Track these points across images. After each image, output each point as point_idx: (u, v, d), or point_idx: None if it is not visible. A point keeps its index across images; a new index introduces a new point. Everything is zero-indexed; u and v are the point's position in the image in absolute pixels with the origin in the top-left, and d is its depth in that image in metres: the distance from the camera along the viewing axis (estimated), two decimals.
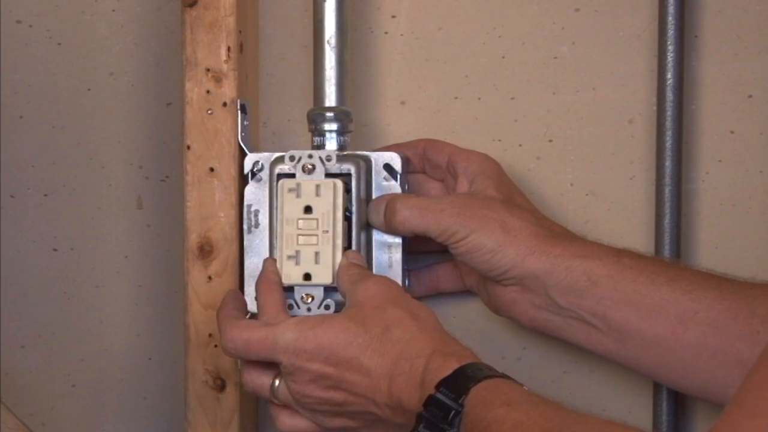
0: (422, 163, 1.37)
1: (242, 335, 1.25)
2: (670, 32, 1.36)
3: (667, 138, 1.37)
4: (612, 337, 1.30)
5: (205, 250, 1.35)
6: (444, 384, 1.16)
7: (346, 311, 1.25)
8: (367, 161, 1.34)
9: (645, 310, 1.28)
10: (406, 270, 1.36)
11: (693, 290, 1.28)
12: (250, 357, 1.26)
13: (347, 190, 1.32)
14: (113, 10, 1.43)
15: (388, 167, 1.35)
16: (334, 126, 1.35)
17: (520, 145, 1.40)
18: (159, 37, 1.43)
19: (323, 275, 1.30)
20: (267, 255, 1.34)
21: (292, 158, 1.30)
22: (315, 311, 1.30)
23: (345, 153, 1.35)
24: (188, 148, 1.34)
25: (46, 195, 1.44)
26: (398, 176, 1.34)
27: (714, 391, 1.29)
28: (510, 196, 1.35)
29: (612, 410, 1.40)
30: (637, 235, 1.40)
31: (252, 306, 1.34)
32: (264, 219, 1.34)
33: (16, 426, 1.39)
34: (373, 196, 1.35)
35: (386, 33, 1.41)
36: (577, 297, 1.30)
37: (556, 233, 1.33)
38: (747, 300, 1.27)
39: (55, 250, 1.44)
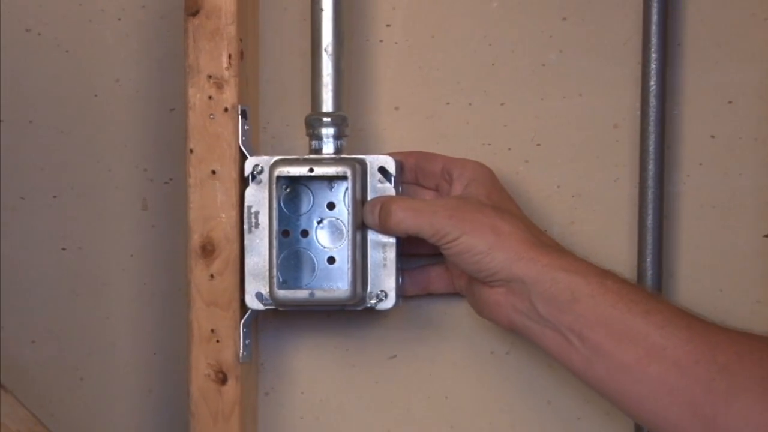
0: (414, 174, 1.37)
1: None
2: (654, 41, 1.37)
3: (650, 142, 1.37)
4: (582, 355, 1.29)
5: (207, 250, 1.35)
6: None
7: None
8: (363, 164, 1.34)
9: (618, 336, 1.28)
10: (400, 269, 1.36)
11: (665, 326, 1.28)
12: None
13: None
14: (119, 19, 1.43)
15: (382, 170, 1.35)
16: (331, 130, 1.36)
17: (509, 149, 1.40)
18: (163, 44, 1.43)
19: None
20: (266, 254, 1.34)
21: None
22: None
23: (341, 156, 1.35)
24: (191, 151, 1.34)
25: (54, 197, 1.44)
26: (392, 179, 1.35)
27: (664, 427, 1.30)
28: (501, 202, 1.36)
29: (596, 404, 1.39)
30: (621, 236, 1.40)
31: (251, 301, 1.35)
32: (264, 219, 1.34)
33: (26, 417, 1.40)
34: (369, 198, 1.35)
35: (381, 41, 1.41)
36: (558, 309, 1.29)
37: (545, 243, 1.33)
38: (710, 346, 1.27)
39: (63, 249, 1.44)
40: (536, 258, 1.31)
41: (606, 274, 1.31)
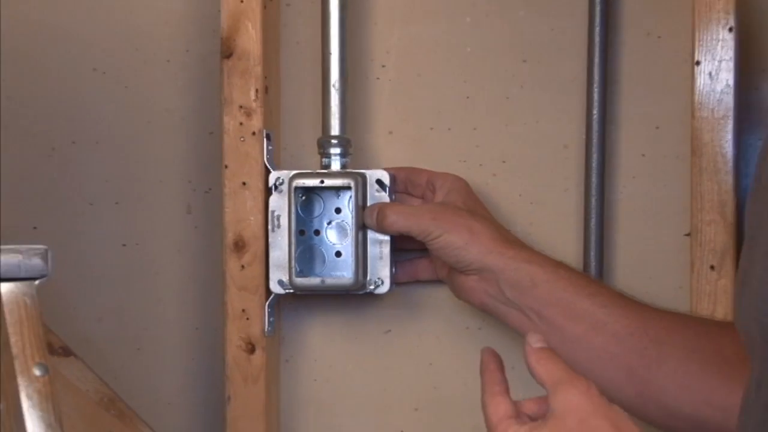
0: (404, 185, 1.38)
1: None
2: (596, 78, 1.37)
3: (593, 160, 1.37)
4: (540, 329, 1.29)
5: (239, 246, 1.35)
6: None
7: (550, 425, 1.03)
8: (363, 177, 1.35)
9: (569, 313, 1.29)
10: (393, 261, 1.36)
11: (606, 306, 1.29)
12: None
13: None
14: (168, 61, 1.43)
15: (379, 182, 1.35)
16: (337, 150, 1.36)
17: (480, 165, 1.40)
18: (203, 81, 1.42)
19: None
20: (286, 249, 1.33)
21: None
22: None
23: (346, 171, 1.35)
24: (226, 167, 1.34)
25: (117, 203, 1.44)
26: (387, 189, 1.35)
27: (603, 386, 1.25)
28: (475, 207, 1.36)
29: None
30: (570, 234, 1.39)
31: (274, 286, 1.34)
32: (284, 221, 1.34)
33: (93, 380, 1.38)
34: (368, 204, 1.35)
35: (378, 78, 1.41)
36: (520, 293, 1.30)
37: (510, 240, 1.33)
38: (643, 321, 1.28)
39: (123, 245, 1.44)
40: (503, 252, 1.31)
41: (559, 265, 1.32)
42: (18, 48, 1.43)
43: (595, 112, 1.37)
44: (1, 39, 1.41)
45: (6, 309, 0.99)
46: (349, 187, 1.33)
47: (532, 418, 1.05)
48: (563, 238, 1.39)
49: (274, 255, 1.35)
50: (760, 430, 1.07)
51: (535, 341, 1.09)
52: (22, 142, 1.44)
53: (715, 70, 1.31)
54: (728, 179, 1.31)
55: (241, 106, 1.35)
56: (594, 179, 1.37)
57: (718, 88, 1.31)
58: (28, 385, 0.97)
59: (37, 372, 0.97)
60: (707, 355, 1.25)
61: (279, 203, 1.35)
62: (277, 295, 1.37)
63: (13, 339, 0.98)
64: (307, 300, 1.41)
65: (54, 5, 1.43)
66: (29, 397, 0.97)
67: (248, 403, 1.36)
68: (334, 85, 1.37)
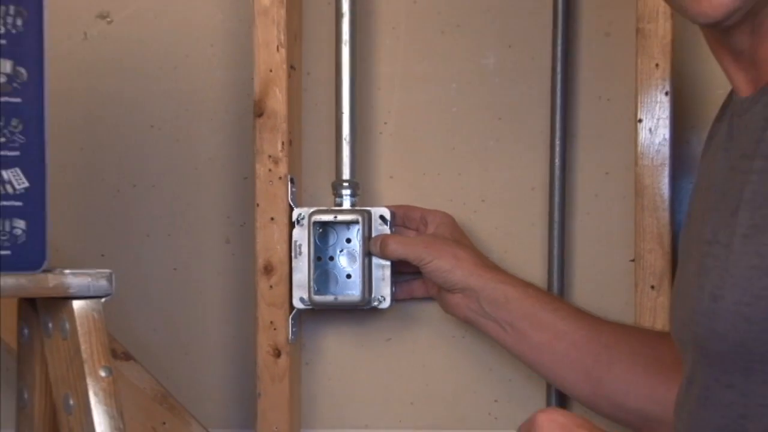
0: (402, 220, 1.37)
1: None
2: (558, 132, 1.37)
3: (556, 199, 1.37)
4: (512, 337, 1.30)
5: (268, 269, 1.35)
6: None
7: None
8: (369, 213, 1.35)
9: (536, 324, 1.29)
10: (393, 282, 1.35)
11: (566, 318, 1.29)
12: None
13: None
14: (211, 119, 1.42)
15: (382, 217, 1.35)
16: (348, 191, 1.36)
17: (464, 204, 1.39)
18: (240, 135, 1.41)
19: None
20: (306, 272, 1.33)
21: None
22: None
23: (355, 208, 1.35)
24: (257, 205, 1.34)
25: (169, 235, 1.43)
26: (388, 223, 1.35)
27: (564, 385, 1.30)
28: (460, 238, 1.36)
29: (522, 370, 1.36)
30: (537, 261, 1.38)
31: (296, 303, 1.33)
32: (305, 249, 1.34)
33: (149, 379, 1.39)
34: (373, 235, 1.35)
35: (381, 133, 1.41)
36: (496, 308, 1.30)
37: (488, 264, 1.33)
38: (597, 331, 1.28)
39: (174, 269, 1.43)
40: (482, 274, 1.31)
41: (528, 285, 1.32)
42: (92, 110, 1.43)
43: (557, 160, 1.37)
44: (75, 102, 1.41)
45: (78, 322, 0.99)
46: (357, 222, 1.33)
47: None
48: (531, 263, 1.39)
49: (296, 277, 1.35)
50: (692, 419, 1.06)
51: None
52: (93, 185, 1.44)
53: (654, 127, 1.31)
54: (665, 216, 1.30)
55: (270, 156, 1.34)
56: (556, 215, 1.37)
57: (657, 141, 1.31)
58: (95, 384, 0.97)
59: (102, 373, 0.98)
60: (649, 358, 1.25)
61: (300, 235, 1.34)
62: (299, 310, 1.36)
63: (83, 346, 0.98)
64: (323, 314, 1.41)
65: (121, 77, 1.42)
66: (96, 394, 0.97)
67: (275, 398, 1.35)
68: (345, 139, 1.37)
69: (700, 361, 1.04)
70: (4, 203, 0.95)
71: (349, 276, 1.36)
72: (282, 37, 1.32)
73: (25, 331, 1.05)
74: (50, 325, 1.01)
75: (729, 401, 1.01)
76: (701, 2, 0.98)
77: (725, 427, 1.01)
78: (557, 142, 1.37)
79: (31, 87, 0.96)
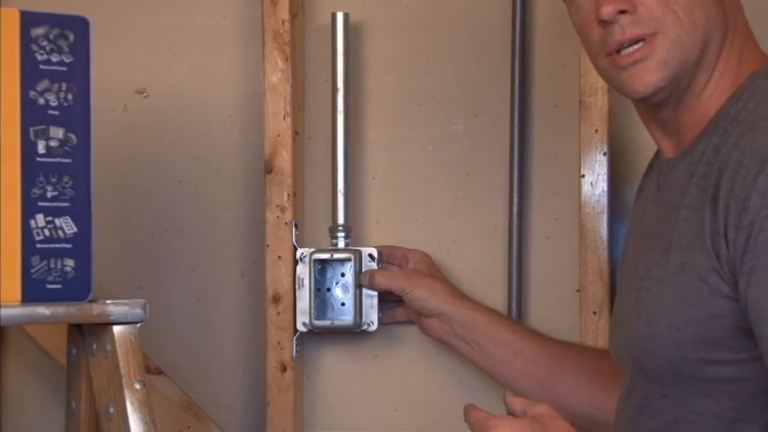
0: (387, 258, 1.37)
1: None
2: (515, 186, 1.36)
3: (514, 241, 1.36)
4: (479, 354, 1.29)
5: (276, 299, 1.34)
6: None
7: (529, 419, 0.96)
8: (359, 252, 1.34)
9: (498, 344, 1.28)
10: (380, 308, 1.34)
11: (524, 338, 1.28)
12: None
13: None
14: (229, 175, 1.42)
15: (370, 255, 1.35)
16: (342, 234, 1.36)
17: (438, 244, 1.38)
18: (253, 188, 1.40)
19: None
20: (308, 301, 1.32)
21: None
22: None
23: (348, 248, 1.35)
24: (267, 246, 1.34)
25: (194, 270, 1.42)
26: (376, 260, 1.34)
27: (521, 393, 1.21)
28: (435, 272, 1.35)
29: (488, 382, 1.34)
30: (499, 291, 1.37)
31: (299, 326, 1.33)
32: (306, 282, 1.34)
33: (177, 391, 1.39)
34: (363, 270, 1.34)
35: (369, 186, 1.40)
36: (466, 330, 1.29)
37: (458, 294, 1.32)
38: (549, 349, 1.27)
39: (198, 299, 1.42)
40: (454, 302, 1.30)
41: (492, 311, 1.32)
42: (130, 168, 1.43)
43: (514, 208, 1.36)
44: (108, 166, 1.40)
45: (117, 344, 0.99)
46: (350, 259, 1.33)
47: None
48: (494, 293, 1.37)
49: (299, 305, 1.34)
50: (631, 423, 1.06)
51: (510, 398, 1.00)
52: (130, 230, 1.43)
53: (595, 181, 1.30)
54: (604, 254, 1.30)
55: (277, 205, 1.34)
56: (514, 254, 1.36)
57: (597, 193, 1.30)
58: (131, 395, 0.97)
59: (137, 386, 0.98)
60: (592, 372, 1.25)
61: (303, 270, 1.34)
62: (302, 333, 1.35)
63: (122, 364, 0.98)
64: (322, 335, 1.39)
65: (154, 141, 1.42)
66: (132, 404, 0.97)
67: (282, 406, 1.34)
68: (340, 191, 1.36)
69: (638, 376, 1.04)
70: (57, 245, 0.96)
71: (343, 304, 1.35)
72: (288, 108, 1.34)
73: (73, 351, 1.06)
74: (94, 346, 1.01)
75: (664, 409, 1.01)
76: (634, 81, 0.99)
77: (660, 431, 1.01)
78: (515, 193, 1.36)
79: (80, 150, 0.97)
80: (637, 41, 0.98)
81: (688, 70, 1.00)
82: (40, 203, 0.95)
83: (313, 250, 1.34)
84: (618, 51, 0.99)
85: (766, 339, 0.90)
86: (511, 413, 0.98)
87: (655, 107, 1.04)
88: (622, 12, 0.98)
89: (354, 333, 1.37)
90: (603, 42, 1.00)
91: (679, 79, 1.00)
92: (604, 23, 1.00)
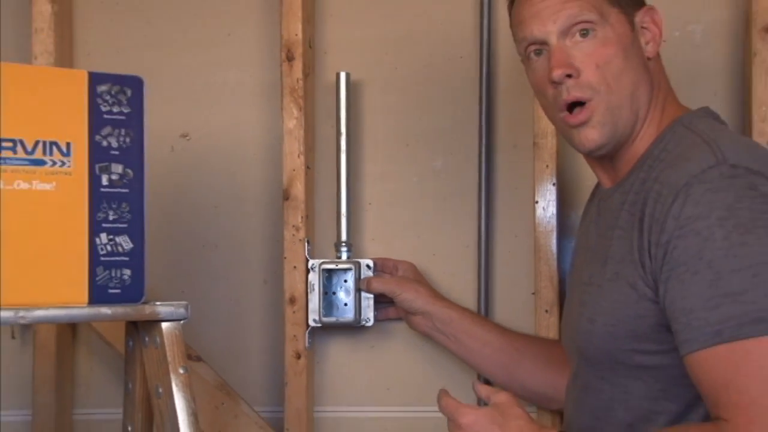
0: (381, 267, 1.35)
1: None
2: (483, 211, 1.34)
3: (482, 254, 1.34)
4: (455, 345, 1.28)
5: (292, 300, 1.33)
6: None
7: (491, 408, 0.97)
8: (359, 263, 1.33)
9: (470, 336, 1.27)
10: (375, 308, 1.33)
11: (491, 331, 1.27)
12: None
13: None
14: (255, 202, 1.39)
15: (368, 265, 1.34)
16: (345, 249, 1.35)
17: (422, 255, 1.36)
18: (273, 213, 1.38)
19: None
20: (318, 302, 1.31)
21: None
22: None
23: (350, 260, 1.34)
24: (285, 258, 1.33)
25: (226, 279, 1.40)
26: (372, 269, 1.33)
27: (489, 375, 1.26)
28: (420, 279, 1.34)
29: (465, 370, 1.32)
30: (471, 294, 1.35)
31: (311, 322, 1.32)
32: (316, 287, 1.33)
33: (213, 374, 1.36)
34: (361, 277, 1.33)
35: (366, 210, 1.39)
36: (444, 325, 1.28)
37: (439, 296, 1.31)
38: (511, 340, 1.26)
39: (230, 301, 1.39)
40: (435, 303, 1.29)
41: (465, 309, 1.30)
42: (175, 197, 1.41)
43: (483, 228, 1.35)
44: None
45: (165, 337, 0.99)
46: (351, 269, 1.33)
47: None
48: (467, 295, 1.36)
49: (310, 305, 1.33)
50: (577, 402, 1.06)
51: (477, 386, 1.02)
52: (175, 246, 1.41)
53: (546, 206, 1.30)
54: (554, 264, 1.30)
55: (293, 225, 1.34)
56: (483, 264, 1.35)
57: (548, 215, 1.30)
58: (176, 378, 0.97)
59: (181, 371, 0.98)
60: (547, 358, 1.24)
61: (313, 277, 1.33)
62: (313, 327, 1.34)
63: (168, 353, 0.98)
64: (329, 330, 1.37)
65: (195, 175, 1.41)
66: (176, 385, 0.97)
67: (297, 386, 1.33)
68: (343, 214, 1.36)
69: (582, 363, 1.05)
70: (117, 258, 0.97)
71: (346, 304, 1.34)
72: (301, 148, 1.33)
73: (130, 342, 1.05)
74: (147, 339, 1.01)
75: (602, 389, 1.02)
76: (581, 139, 1.02)
77: (599, 408, 1.02)
78: (482, 216, 1.35)
79: (135, 182, 0.98)
80: (579, 103, 1.00)
81: (625, 126, 1.02)
82: (104, 224, 0.96)
83: (321, 261, 1.33)
84: (570, 110, 1.01)
85: (680, 333, 0.91)
86: (478, 398, 0.98)
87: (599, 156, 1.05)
88: (569, 76, 0.99)
89: (354, 328, 1.35)
90: (555, 99, 1.02)
91: (618, 135, 1.02)
92: (555, 84, 1.00)
